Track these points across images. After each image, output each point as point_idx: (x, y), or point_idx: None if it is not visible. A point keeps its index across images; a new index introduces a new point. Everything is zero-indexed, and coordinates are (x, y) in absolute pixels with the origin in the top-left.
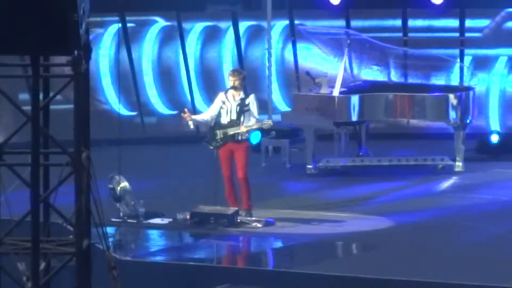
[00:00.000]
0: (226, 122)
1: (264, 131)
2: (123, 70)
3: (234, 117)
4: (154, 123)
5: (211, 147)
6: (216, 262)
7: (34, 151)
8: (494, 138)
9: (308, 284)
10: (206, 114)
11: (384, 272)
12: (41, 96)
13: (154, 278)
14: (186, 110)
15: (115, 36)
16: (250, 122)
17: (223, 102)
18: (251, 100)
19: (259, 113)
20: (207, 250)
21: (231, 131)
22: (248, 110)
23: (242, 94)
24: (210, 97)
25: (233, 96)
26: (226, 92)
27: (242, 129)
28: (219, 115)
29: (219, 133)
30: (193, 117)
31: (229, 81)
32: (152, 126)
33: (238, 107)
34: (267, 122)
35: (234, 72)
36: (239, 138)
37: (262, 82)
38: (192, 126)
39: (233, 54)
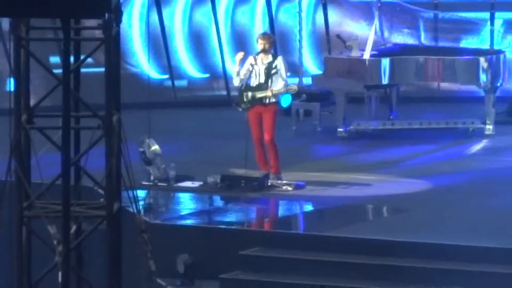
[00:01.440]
0: (254, 85)
1: (294, 95)
2: (154, 33)
3: (262, 80)
4: (185, 86)
5: (240, 109)
6: (247, 225)
7: (65, 114)
8: None
9: (339, 247)
10: (238, 77)
11: (413, 235)
12: (72, 59)
13: (185, 241)
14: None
15: None
16: (278, 86)
17: (252, 66)
18: (279, 62)
19: (289, 75)
20: (237, 213)
21: (259, 94)
22: (277, 72)
23: (270, 58)
24: (241, 61)
25: (262, 60)
26: (255, 55)
27: (268, 93)
28: (249, 77)
29: (248, 96)
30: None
31: (258, 44)
32: (183, 90)
33: (266, 70)
34: (292, 87)
35: (264, 36)
36: (267, 101)
37: (293, 45)
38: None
39: (264, 17)
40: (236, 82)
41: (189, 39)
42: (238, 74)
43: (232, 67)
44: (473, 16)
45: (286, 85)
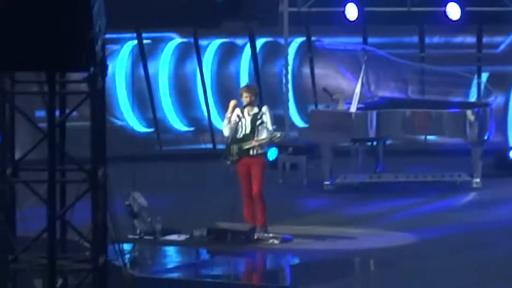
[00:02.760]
0: (241, 137)
1: (281, 148)
2: (139, 87)
3: (248, 131)
4: (171, 139)
5: (228, 162)
6: (233, 279)
7: (50, 167)
8: None
9: None
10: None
11: None
12: (57, 113)
13: None
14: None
15: (131, 53)
16: (262, 136)
17: (239, 118)
18: (264, 112)
19: (275, 127)
20: (224, 266)
21: (245, 145)
22: (262, 123)
23: (256, 109)
24: (234, 108)
25: (248, 112)
26: (242, 108)
27: (254, 143)
28: (236, 131)
29: (235, 148)
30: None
31: (243, 97)
32: (169, 143)
33: (251, 121)
34: (276, 135)
35: (248, 88)
36: (254, 152)
37: (279, 99)
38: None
39: (250, 70)
40: (226, 132)
41: (174, 93)
42: (229, 121)
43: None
44: (460, 69)
45: (271, 133)
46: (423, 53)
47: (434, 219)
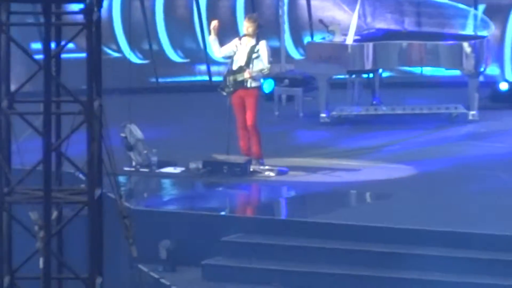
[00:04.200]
0: (236, 68)
1: (277, 79)
2: (135, 18)
3: (243, 63)
4: (167, 71)
5: (224, 93)
6: (229, 211)
7: (46, 99)
8: (503, 86)
9: (321, 233)
10: (220, 49)
11: (396, 221)
12: (53, 44)
13: (167, 227)
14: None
15: None
16: (254, 68)
17: (237, 47)
18: (262, 46)
19: (271, 61)
20: (220, 199)
21: (239, 77)
22: (258, 56)
23: (253, 41)
24: (222, 45)
25: (245, 43)
26: (240, 38)
27: (246, 74)
28: (231, 61)
29: (230, 79)
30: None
31: (244, 27)
32: (165, 74)
33: (248, 53)
34: (265, 67)
35: (249, 19)
36: (248, 85)
37: (275, 31)
38: (213, 38)
39: (245, 1)
40: (217, 54)
41: (170, 24)
42: (215, 42)
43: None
44: (457, 1)
45: (263, 66)
46: None
47: (430, 151)
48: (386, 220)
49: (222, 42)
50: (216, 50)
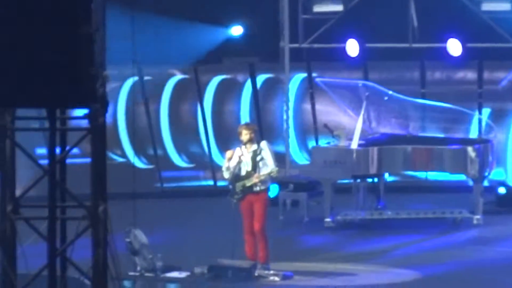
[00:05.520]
0: (244, 174)
1: (282, 184)
2: (140, 123)
3: (249, 168)
4: (171, 176)
5: (234, 201)
6: None
7: (50, 204)
8: (502, 190)
9: None
10: (229, 170)
11: None
12: (58, 149)
13: None
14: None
15: (132, 89)
16: (262, 172)
17: (240, 157)
18: (263, 147)
19: (276, 161)
20: None
21: (248, 183)
22: (262, 159)
23: (255, 146)
24: (229, 159)
25: (248, 149)
26: (242, 146)
27: (255, 179)
28: (239, 168)
29: (238, 186)
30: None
31: (243, 135)
32: (169, 180)
33: (252, 158)
34: (273, 170)
35: (247, 126)
36: (257, 189)
37: (280, 135)
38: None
39: (250, 106)
40: (226, 175)
41: (175, 129)
42: (228, 169)
43: (220, 155)
44: (461, 106)
45: (271, 169)
46: (424, 89)
47: (435, 256)
48: None
49: (228, 147)
50: (226, 174)
